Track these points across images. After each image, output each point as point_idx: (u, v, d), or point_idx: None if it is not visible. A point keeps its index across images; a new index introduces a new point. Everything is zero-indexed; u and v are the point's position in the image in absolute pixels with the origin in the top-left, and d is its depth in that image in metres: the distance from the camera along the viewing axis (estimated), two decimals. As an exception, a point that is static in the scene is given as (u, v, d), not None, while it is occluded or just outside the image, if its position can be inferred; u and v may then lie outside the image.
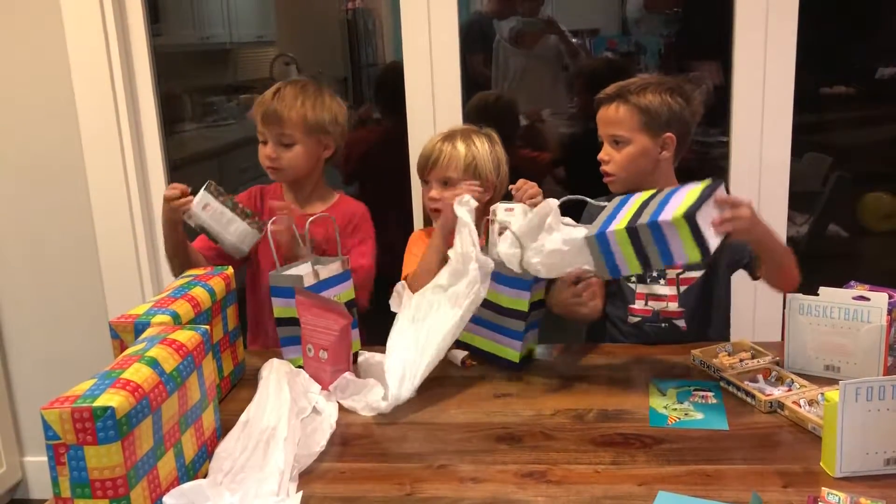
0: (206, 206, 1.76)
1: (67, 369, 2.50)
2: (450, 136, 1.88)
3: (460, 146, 1.86)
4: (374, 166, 2.91)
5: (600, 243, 1.40)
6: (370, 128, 3.20)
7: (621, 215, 1.42)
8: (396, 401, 1.42)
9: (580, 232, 1.45)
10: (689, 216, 1.31)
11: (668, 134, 1.74)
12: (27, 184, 2.47)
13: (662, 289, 1.76)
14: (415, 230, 2.06)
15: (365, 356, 1.53)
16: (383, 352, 1.51)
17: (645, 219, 1.36)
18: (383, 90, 3.17)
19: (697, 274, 1.75)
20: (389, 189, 2.64)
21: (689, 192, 1.39)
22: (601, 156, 1.78)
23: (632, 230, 1.36)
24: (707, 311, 1.78)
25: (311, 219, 1.73)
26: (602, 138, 1.79)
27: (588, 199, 1.60)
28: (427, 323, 1.51)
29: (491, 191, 1.88)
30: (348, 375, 1.47)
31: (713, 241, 1.35)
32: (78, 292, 2.53)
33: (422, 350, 1.48)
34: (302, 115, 1.89)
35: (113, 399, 1.01)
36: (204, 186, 1.76)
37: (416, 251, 1.91)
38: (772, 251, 1.60)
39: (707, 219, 1.35)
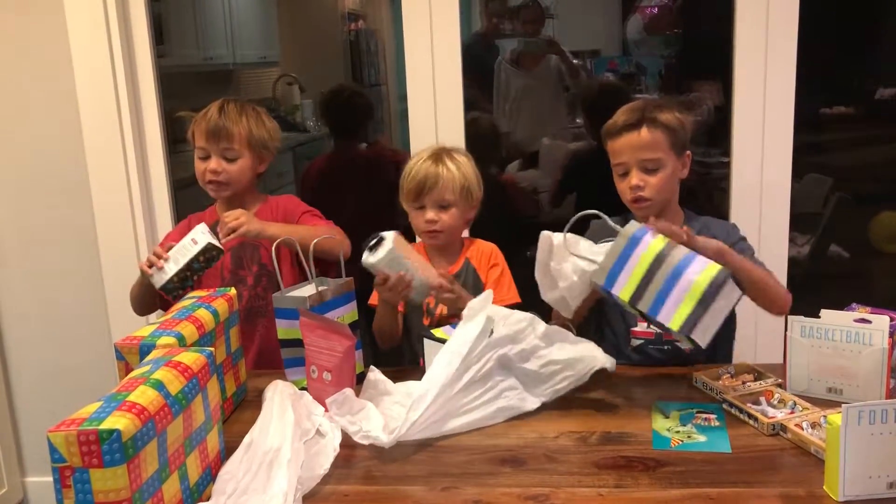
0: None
1: (70, 389, 2.52)
2: (436, 158, 1.89)
3: (452, 167, 1.87)
4: (338, 188, 2.99)
5: (607, 293, 1.50)
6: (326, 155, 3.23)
7: (629, 270, 1.45)
8: (398, 438, 1.36)
9: (589, 264, 1.52)
10: (685, 331, 1.39)
11: (688, 152, 1.74)
12: (32, 202, 2.48)
13: (665, 310, 1.76)
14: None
15: (376, 376, 1.51)
16: (391, 376, 1.53)
17: (649, 299, 1.42)
18: (331, 113, 3.23)
19: None
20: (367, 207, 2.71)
21: (697, 281, 1.39)
22: (636, 182, 1.70)
23: (634, 305, 1.45)
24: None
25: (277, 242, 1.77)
26: (624, 167, 1.72)
27: (602, 215, 1.55)
28: (474, 393, 1.46)
29: (476, 208, 1.93)
30: (348, 392, 1.45)
31: (710, 335, 1.40)
32: (81, 311, 2.54)
33: (444, 416, 1.42)
34: (248, 130, 1.96)
35: (119, 422, 1.01)
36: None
37: None
38: (752, 282, 1.60)
39: (708, 322, 1.39)
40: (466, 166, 1.90)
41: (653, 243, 1.45)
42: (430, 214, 1.86)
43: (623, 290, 1.45)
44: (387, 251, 1.67)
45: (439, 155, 1.89)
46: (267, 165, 2.05)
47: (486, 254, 1.92)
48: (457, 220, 1.88)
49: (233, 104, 1.98)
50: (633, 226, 1.49)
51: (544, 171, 3.25)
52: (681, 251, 1.44)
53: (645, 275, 1.43)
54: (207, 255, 1.78)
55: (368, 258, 1.69)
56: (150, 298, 1.94)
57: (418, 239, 1.99)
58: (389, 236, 1.69)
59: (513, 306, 1.67)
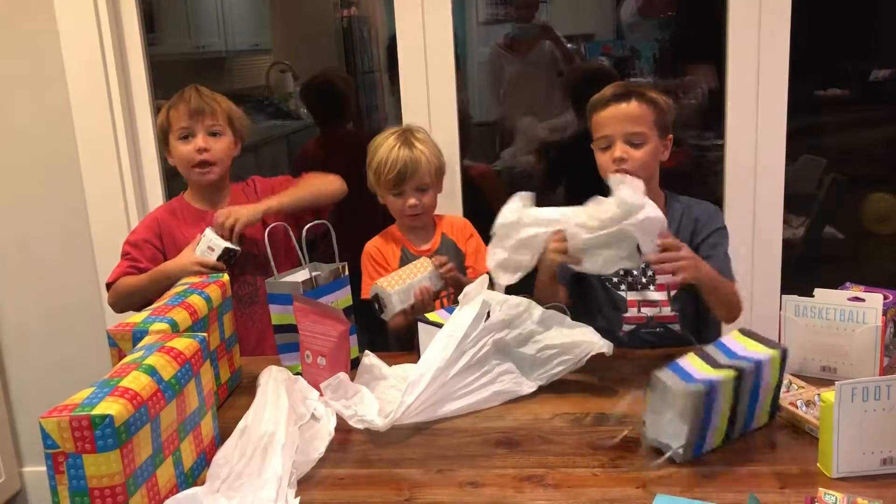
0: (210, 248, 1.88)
1: (66, 378, 2.51)
2: (405, 142, 1.91)
3: (423, 149, 1.91)
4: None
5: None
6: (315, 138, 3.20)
7: None
8: (393, 422, 1.36)
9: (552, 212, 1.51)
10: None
11: (671, 136, 1.74)
12: (24, 193, 2.47)
13: (654, 294, 1.76)
14: (368, 244, 2.02)
15: (370, 360, 1.52)
16: (387, 360, 1.54)
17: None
18: (311, 101, 3.22)
19: None
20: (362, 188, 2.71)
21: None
22: (619, 154, 1.66)
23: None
24: (701, 312, 1.78)
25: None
26: (607, 140, 1.69)
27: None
28: (470, 377, 1.46)
29: (442, 181, 1.99)
30: (342, 376, 1.46)
31: None
32: (76, 301, 2.53)
33: (440, 399, 1.42)
34: (227, 107, 1.99)
35: (111, 407, 1.01)
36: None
37: (373, 273, 1.93)
38: (715, 291, 1.63)
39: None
40: (431, 144, 1.95)
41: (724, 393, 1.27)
42: (413, 200, 1.91)
43: None
44: (393, 304, 1.73)
45: (406, 138, 1.92)
46: (239, 150, 2.05)
47: (459, 226, 2.00)
48: (433, 199, 1.95)
49: (202, 88, 2.00)
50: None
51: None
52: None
53: None
54: (227, 256, 1.86)
55: (387, 316, 1.76)
56: (143, 298, 1.93)
57: (398, 221, 2.01)
58: (383, 293, 1.74)
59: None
